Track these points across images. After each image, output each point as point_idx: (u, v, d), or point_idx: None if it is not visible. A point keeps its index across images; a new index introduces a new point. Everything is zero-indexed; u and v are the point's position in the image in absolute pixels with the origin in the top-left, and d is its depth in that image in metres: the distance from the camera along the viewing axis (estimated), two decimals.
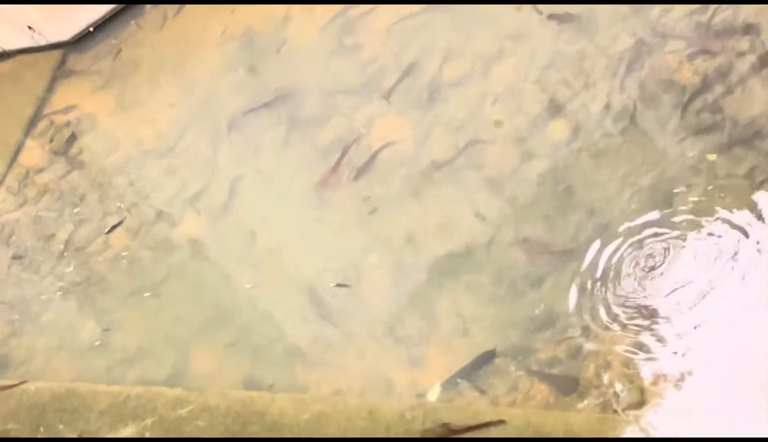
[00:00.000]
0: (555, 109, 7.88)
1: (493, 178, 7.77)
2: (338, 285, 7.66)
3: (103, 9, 10.89)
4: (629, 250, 6.85)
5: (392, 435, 6.57)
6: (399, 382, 7.06)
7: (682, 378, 6.16)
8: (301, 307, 7.77)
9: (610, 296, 6.70)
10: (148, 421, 7.25)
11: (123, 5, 10.93)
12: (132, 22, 10.89)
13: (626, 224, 6.98)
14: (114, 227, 8.87)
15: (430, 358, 7.08)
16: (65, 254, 8.92)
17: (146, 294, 8.36)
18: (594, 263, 6.91)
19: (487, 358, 6.83)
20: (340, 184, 8.28)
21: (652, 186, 7.07)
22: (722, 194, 6.77)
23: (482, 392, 6.70)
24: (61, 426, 7.45)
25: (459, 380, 6.83)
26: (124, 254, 8.74)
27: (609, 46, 8.01)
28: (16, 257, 9.09)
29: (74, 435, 7.36)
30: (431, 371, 7.00)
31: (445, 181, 7.95)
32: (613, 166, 7.34)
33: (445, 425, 6.47)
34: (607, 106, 7.70)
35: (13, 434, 7.53)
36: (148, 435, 7.17)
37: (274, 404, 7.06)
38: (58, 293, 8.66)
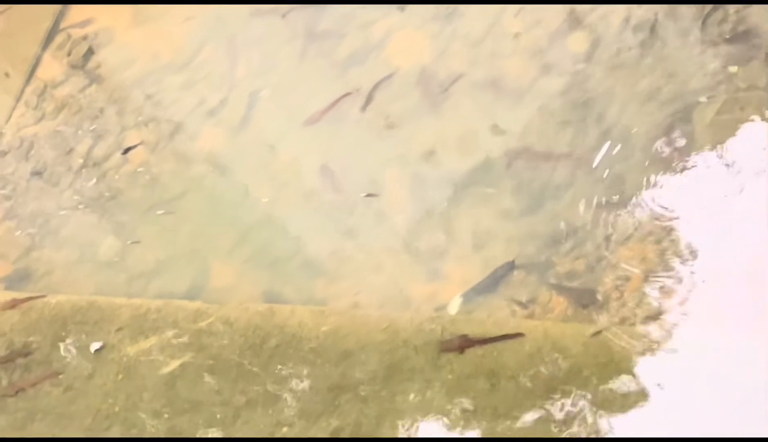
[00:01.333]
0: (575, 21, 7.83)
1: (512, 91, 7.74)
2: (368, 195, 7.66)
3: None
4: (649, 161, 6.85)
5: (410, 347, 6.61)
6: (417, 295, 7.09)
7: (699, 287, 6.18)
8: (319, 221, 7.79)
9: (629, 207, 6.70)
10: (169, 333, 7.30)
11: None
12: None
13: (646, 136, 6.96)
14: (129, 149, 8.86)
15: (449, 272, 7.11)
16: (84, 168, 8.93)
17: (164, 209, 8.38)
18: (613, 175, 6.91)
19: (506, 270, 6.86)
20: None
21: (672, 98, 7.04)
22: (742, 106, 6.74)
23: (500, 305, 6.74)
24: (84, 336, 7.51)
25: (477, 293, 6.86)
26: (142, 168, 8.74)
27: None
28: (35, 172, 9.10)
29: (95, 347, 7.42)
30: (450, 284, 7.03)
31: (463, 95, 7.93)
32: (632, 79, 7.32)
33: (463, 336, 6.50)
34: (627, 19, 7.65)
35: (34, 347, 7.59)
36: (167, 348, 7.23)
37: (293, 317, 7.10)
38: (78, 208, 8.68)
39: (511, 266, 6.85)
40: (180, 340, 7.25)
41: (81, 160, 8.95)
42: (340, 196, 7.82)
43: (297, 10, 9.15)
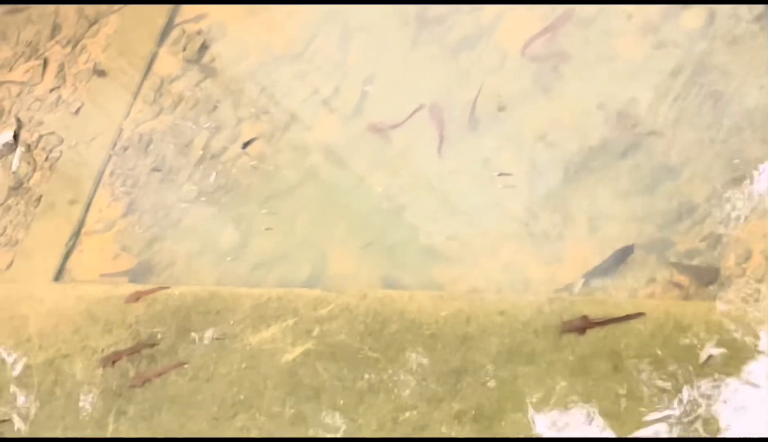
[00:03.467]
0: None
1: (625, 70, 7.68)
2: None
3: None
4: None
5: (530, 330, 6.62)
6: (535, 278, 7.08)
7: None
8: (435, 207, 7.82)
9: (749, 182, 6.62)
10: (290, 321, 7.39)
11: None
12: None
13: (765, 110, 6.87)
14: (248, 143, 8.96)
15: (567, 254, 7.09)
16: (202, 161, 9.06)
17: (283, 199, 8.47)
18: (732, 150, 6.84)
19: (625, 253, 6.81)
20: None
21: None
22: None
23: (620, 285, 6.71)
24: (209, 330, 7.64)
25: (597, 275, 6.84)
26: (258, 160, 8.84)
27: None
28: (154, 166, 9.26)
29: (219, 337, 7.54)
30: (568, 266, 7.01)
31: (575, 76, 7.89)
32: (749, 54, 7.21)
33: (584, 317, 6.48)
34: None
35: (159, 338, 7.75)
36: (289, 335, 7.31)
37: (412, 302, 7.14)
38: (197, 200, 8.81)
39: (630, 250, 6.80)
40: (301, 327, 7.33)
41: (199, 154, 9.09)
42: (456, 178, 7.84)
43: None
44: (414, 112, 8.31)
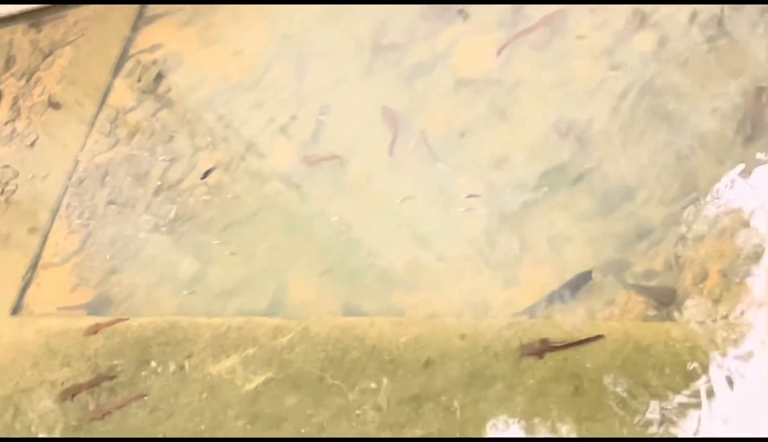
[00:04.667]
0: (641, 20, 7.80)
1: (580, 93, 7.72)
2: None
3: None
4: (722, 156, 6.81)
5: (490, 353, 6.63)
6: (495, 302, 7.08)
7: None
8: (393, 232, 7.82)
9: (704, 203, 6.66)
10: (250, 350, 7.37)
11: None
12: None
13: (718, 131, 6.93)
14: (208, 172, 8.95)
15: (526, 277, 7.10)
16: (159, 191, 9.04)
17: (241, 227, 8.46)
18: (686, 171, 6.88)
19: (583, 279, 6.83)
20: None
21: (743, 92, 6.99)
22: None
23: (579, 308, 6.73)
24: (166, 360, 7.61)
25: (555, 299, 6.85)
26: (216, 188, 8.83)
27: None
28: (111, 197, 9.23)
29: (178, 367, 7.51)
30: (527, 290, 7.02)
31: (532, 99, 7.93)
32: (702, 75, 7.27)
33: (544, 341, 6.50)
34: (694, 15, 7.61)
35: (119, 370, 7.71)
36: (250, 364, 7.29)
37: (373, 329, 7.14)
38: (155, 230, 8.79)
39: (587, 276, 6.82)
40: (261, 356, 7.32)
41: (156, 184, 9.06)
42: (413, 203, 7.85)
43: (363, 25, 9.20)
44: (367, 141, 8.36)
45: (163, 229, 8.74)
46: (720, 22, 7.45)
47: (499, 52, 8.28)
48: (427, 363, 6.78)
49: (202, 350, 7.55)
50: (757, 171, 6.63)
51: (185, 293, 8.22)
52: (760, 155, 6.71)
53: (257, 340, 7.42)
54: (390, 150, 8.16)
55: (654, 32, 7.69)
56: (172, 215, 8.78)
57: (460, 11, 8.78)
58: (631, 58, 7.66)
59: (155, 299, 8.33)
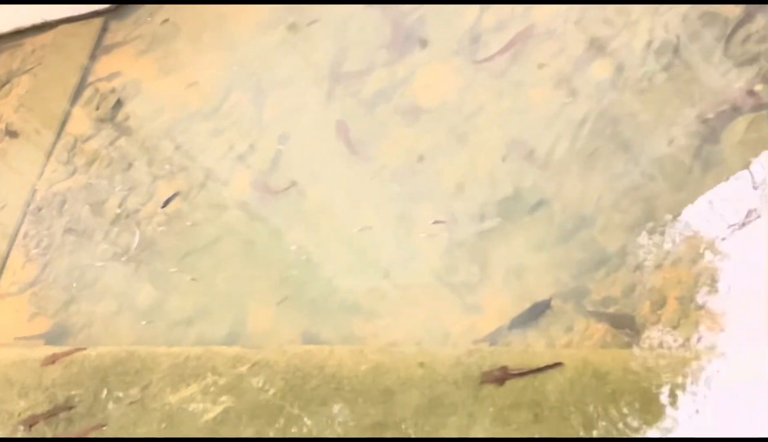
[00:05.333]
0: (597, 48, 7.85)
1: (538, 120, 7.75)
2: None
3: None
4: (679, 184, 6.85)
5: (450, 381, 6.61)
6: (454, 330, 7.09)
7: (735, 309, 6.17)
8: (353, 260, 7.82)
9: (662, 231, 6.70)
10: (209, 379, 7.33)
11: None
12: None
13: (674, 158, 6.97)
14: (169, 200, 8.92)
15: (485, 305, 7.11)
16: (118, 219, 9.00)
17: (200, 255, 8.43)
18: (644, 198, 6.92)
19: (542, 306, 6.85)
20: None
21: (699, 120, 7.04)
22: None
23: (538, 335, 6.74)
24: (125, 390, 7.56)
25: (515, 326, 6.86)
26: (175, 216, 8.80)
27: None
28: (69, 226, 9.18)
29: (137, 397, 7.46)
30: (486, 317, 7.02)
31: (491, 127, 7.95)
32: (658, 103, 7.32)
33: (503, 368, 6.51)
34: (650, 43, 7.66)
35: (77, 400, 7.64)
36: (209, 393, 7.25)
37: (332, 357, 7.12)
38: (113, 259, 8.74)
39: (546, 304, 6.84)
40: (221, 385, 7.28)
41: (115, 212, 9.02)
42: (372, 231, 7.85)
43: (321, 53, 9.23)
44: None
45: (121, 258, 8.70)
46: (676, 50, 7.51)
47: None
48: (387, 392, 6.76)
49: (160, 380, 7.50)
50: (713, 199, 6.67)
51: (144, 322, 8.17)
52: (719, 180, 6.76)
53: (216, 369, 7.38)
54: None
55: (611, 60, 7.74)
56: (133, 244, 8.73)
57: (420, 40, 8.81)
58: (589, 86, 7.71)
59: (113, 328, 8.28)
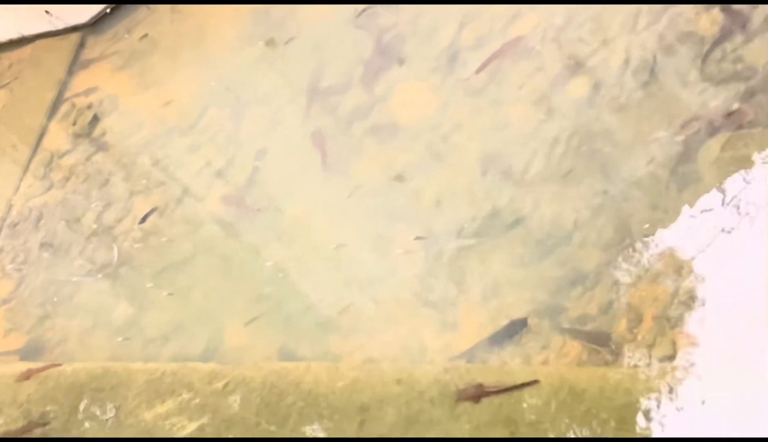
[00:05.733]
0: (575, 66, 7.87)
1: (517, 139, 7.77)
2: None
3: None
4: (656, 202, 6.87)
5: (426, 398, 6.60)
6: (431, 346, 7.09)
7: (710, 326, 6.18)
8: (329, 277, 7.81)
9: (638, 248, 6.71)
10: (185, 396, 7.30)
11: None
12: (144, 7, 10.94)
13: (651, 176, 6.99)
14: (146, 217, 8.90)
15: (462, 322, 7.10)
16: (94, 235, 8.98)
17: (176, 271, 8.41)
18: (621, 216, 6.93)
19: (519, 324, 6.85)
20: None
21: (676, 138, 7.07)
22: (746, 143, 6.77)
23: (515, 353, 6.74)
24: (100, 406, 7.52)
25: (492, 344, 6.86)
26: (152, 232, 8.78)
27: None
28: (45, 241, 9.15)
29: (112, 413, 7.43)
30: (463, 334, 7.02)
31: (468, 144, 7.96)
32: (635, 121, 7.34)
33: (479, 386, 6.50)
34: (627, 61, 7.69)
35: (51, 416, 7.60)
36: (185, 410, 7.23)
37: (308, 374, 7.11)
38: (90, 275, 8.71)
39: (523, 323, 6.84)
40: (197, 402, 7.25)
41: (91, 228, 9.00)
42: (349, 248, 7.85)
43: (299, 69, 9.23)
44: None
45: (97, 273, 8.67)
46: (653, 69, 7.54)
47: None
48: (363, 408, 6.74)
49: (136, 396, 7.47)
50: (689, 217, 6.69)
51: (120, 338, 8.14)
52: (695, 199, 6.78)
53: (192, 385, 7.35)
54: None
55: (588, 78, 7.76)
56: (106, 259, 8.71)
57: (398, 57, 8.82)
58: (566, 104, 7.72)
59: (89, 344, 8.25)
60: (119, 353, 8.08)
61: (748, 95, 6.98)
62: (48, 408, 7.69)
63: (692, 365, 6.09)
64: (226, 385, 7.26)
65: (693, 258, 6.50)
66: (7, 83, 10.75)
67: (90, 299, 8.58)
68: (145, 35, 10.57)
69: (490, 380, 6.52)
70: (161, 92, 9.88)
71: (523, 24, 8.39)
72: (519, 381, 6.42)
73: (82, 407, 7.58)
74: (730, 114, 6.97)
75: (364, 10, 9.30)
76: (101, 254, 8.82)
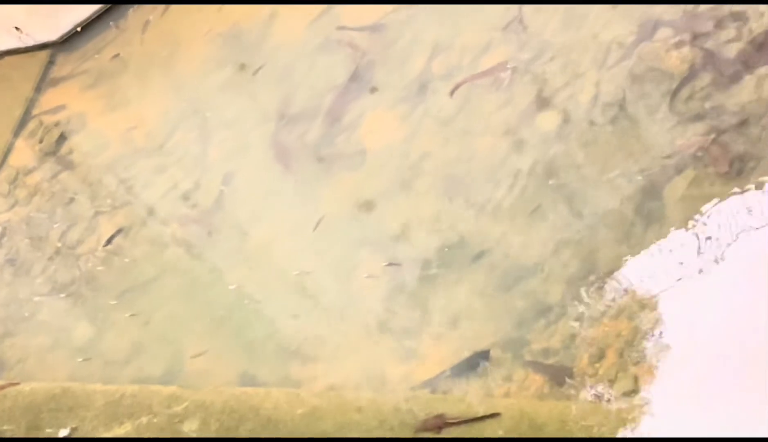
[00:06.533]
0: (544, 100, 7.89)
1: (484, 170, 7.77)
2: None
3: (90, 9, 10.88)
4: (621, 237, 6.89)
5: (387, 428, 6.58)
6: (393, 375, 7.06)
7: (673, 362, 6.19)
8: (294, 303, 7.78)
9: (603, 284, 6.72)
10: (144, 419, 7.25)
11: (109, 5, 10.93)
12: (111, 23, 10.90)
13: (617, 212, 7.01)
14: (111, 238, 8.85)
15: (425, 351, 7.09)
16: (57, 254, 8.92)
17: (139, 293, 8.37)
18: (586, 251, 6.94)
19: (481, 356, 6.83)
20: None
21: (643, 175, 7.09)
22: (711, 182, 6.80)
23: (476, 384, 6.72)
24: (58, 427, 7.46)
25: (454, 375, 6.84)
26: (115, 253, 8.73)
27: (596, 35, 8.03)
28: (8, 259, 9.08)
29: (69, 434, 7.37)
30: (425, 364, 7.00)
31: (436, 174, 7.96)
32: (603, 156, 7.36)
33: (439, 416, 6.48)
34: (596, 97, 7.71)
35: (8, 435, 7.53)
36: (144, 433, 7.17)
37: (268, 400, 7.07)
38: (52, 294, 8.65)
39: (485, 355, 6.83)
40: (155, 425, 7.20)
41: (53, 246, 8.94)
42: (313, 274, 7.83)
43: (268, 95, 9.24)
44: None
45: (59, 292, 8.61)
46: (622, 105, 7.56)
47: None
48: (323, 436, 6.71)
49: (94, 417, 7.41)
50: (654, 254, 6.71)
51: (80, 359, 8.08)
52: (660, 235, 6.80)
53: (151, 408, 7.30)
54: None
55: (557, 112, 7.78)
56: (69, 279, 8.66)
57: (369, 85, 8.82)
58: (535, 137, 7.73)
59: (48, 363, 8.19)
60: (79, 374, 8.02)
61: (716, 134, 7.01)
62: (5, 427, 7.62)
63: (653, 401, 6.09)
64: (185, 408, 7.21)
65: (657, 295, 6.51)
66: None
67: (51, 318, 8.52)
68: (117, 55, 10.54)
69: (451, 411, 6.50)
70: (129, 113, 9.85)
71: (494, 56, 8.40)
72: (480, 413, 6.41)
73: (39, 427, 7.52)
74: (697, 152, 7.00)
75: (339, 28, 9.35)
76: (63, 273, 8.76)
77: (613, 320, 6.53)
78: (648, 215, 6.94)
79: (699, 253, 6.56)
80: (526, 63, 8.20)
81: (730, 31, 7.52)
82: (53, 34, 10.97)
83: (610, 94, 7.69)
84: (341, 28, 9.37)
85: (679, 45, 7.64)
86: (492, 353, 6.78)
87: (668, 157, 7.10)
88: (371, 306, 7.44)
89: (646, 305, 6.50)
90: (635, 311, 6.51)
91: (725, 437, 5.75)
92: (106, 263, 8.69)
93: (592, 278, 6.81)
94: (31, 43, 11.06)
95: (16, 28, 10.92)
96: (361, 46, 9.13)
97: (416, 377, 6.97)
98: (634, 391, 6.18)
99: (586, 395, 6.27)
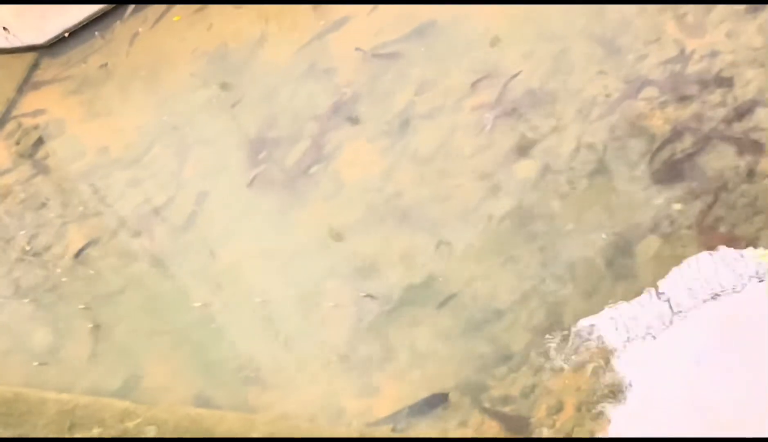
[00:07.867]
0: (524, 147, 7.90)
1: (458, 212, 7.76)
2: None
3: (79, 15, 10.88)
4: (589, 292, 6.88)
5: None
6: (350, 409, 7.02)
7: (632, 420, 6.18)
8: (257, 328, 7.74)
9: (567, 336, 6.71)
10: (95, 431, 7.19)
11: (99, 15, 10.94)
12: (96, 33, 10.90)
13: (588, 266, 7.01)
14: (82, 250, 8.80)
15: (384, 388, 7.05)
16: (23, 257, 8.86)
17: (103, 303, 8.31)
18: (552, 303, 6.93)
19: (440, 398, 6.80)
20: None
21: (616, 231, 7.09)
22: (684, 244, 6.81)
23: (433, 425, 6.69)
24: (6, 433, 7.39)
25: (410, 415, 6.80)
26: (82, 262, 8.68)
27: (582, 89, 8.05)
28: None
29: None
30: (383, 401, 6.97)
31: (409, 212, 7.94)
32: (578, 208, 7.36)
33: None
34: (577, 149, 7.72)
35: None
36: None
37: (223, 423, 7.02)
38: (14, 297, 8.59)
39: (444, 397, 6.80)
40: (105, 439, 7.14)
41: (20, 250, 8.89)
42: (277, 303, 7.80)
43: (250, 117, 9.22)
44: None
45: (21, 297, 8.55)
46: (601, 160, 7.57)
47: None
48: None
49: (45, 426, 7.34)
50: (621, 311, 6.70)
51: (36, 363, 8.01)
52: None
53: (104, 421, 7.25)
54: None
55: (536, 161, 7.78)
56: (32, 283, 8.61)
57: (351, 116, 8.82)
58: (511, 184, 7.73)
59: (4, 367, 8.11)
60: (34, 380, 7.95)
61: (692, 197, 7.03)
62: None
63: None
64: (137, 425, 7.15)
65: (620, 352, 6.50)
66: None
67: (11, 322, 8.45)
68: (105, 64, 10.52)
69: None
70: (109, 122, 9.83)
71: (478, 99, 8.42)
72: None
73: None
74: (672, 213, 7.01)
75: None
76: (28, 277, 8.70)
77: (574, 373, 6.51)
78: (618, 271, 6.94)
79: (665, 313, 6.56)
80: (510, 109, 8.21)
81: (715, 96, 7.55)
82: (41, 38, 10.96)
83: (591, 147, 7.70)
84: (329, 56, 9.38)
85: (663, 105, 7.66)
86: (451, 395, 6.76)
87: (643, 216, 7.11)
88: (334, 338, 7.41)
89: (609, 361, 6.49)
90: (597, 366, 6.49)
91: (725, 437, 5.75)
92: (72, 271, 8.64)
93: (557, 328, 6.79)
94: (17, 44, 11.03)
95: (4, 29, 10.90)
96: (346, 76, 9.14)
97: (373, 413, 6.93)
98: None
99: None
